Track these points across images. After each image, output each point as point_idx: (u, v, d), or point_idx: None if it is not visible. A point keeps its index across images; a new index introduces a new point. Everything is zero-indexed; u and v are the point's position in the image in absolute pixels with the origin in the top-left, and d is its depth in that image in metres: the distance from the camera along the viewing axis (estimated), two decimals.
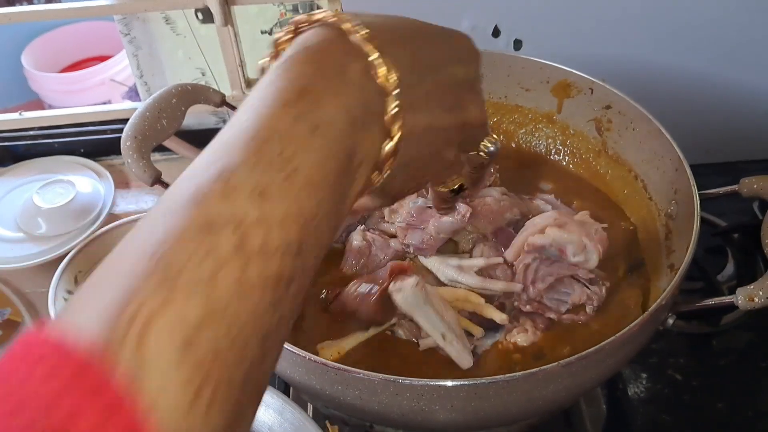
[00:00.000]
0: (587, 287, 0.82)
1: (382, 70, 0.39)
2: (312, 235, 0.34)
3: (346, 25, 0.39)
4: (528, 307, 0.81)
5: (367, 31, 0.39)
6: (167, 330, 0.28)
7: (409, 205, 0.89)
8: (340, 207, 0.38)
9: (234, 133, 0.35)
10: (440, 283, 0.86)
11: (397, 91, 0.40)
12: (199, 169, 0.34)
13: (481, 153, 0.52)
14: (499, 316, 0.80)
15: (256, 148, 0.34)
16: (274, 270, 0.32)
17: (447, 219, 0.83)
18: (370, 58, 0.39)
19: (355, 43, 0.39)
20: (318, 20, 0.41)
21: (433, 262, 0.86)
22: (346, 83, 0.38)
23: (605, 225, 0.84)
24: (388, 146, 0.40)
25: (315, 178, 0.34)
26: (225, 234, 0.30)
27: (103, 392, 0.26)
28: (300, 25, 0.41)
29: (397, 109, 0.40)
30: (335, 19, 0.40)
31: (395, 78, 0.39)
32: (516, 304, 0.82)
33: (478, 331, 0.80)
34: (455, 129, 0.47)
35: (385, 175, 0.42)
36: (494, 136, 0.53)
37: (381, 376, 0.64)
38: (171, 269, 0.29)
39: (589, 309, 0.81)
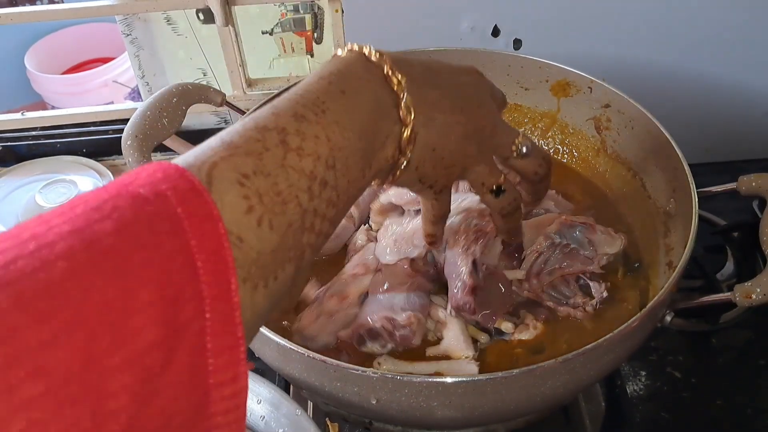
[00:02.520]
0: (588, 287, 0.82)
1: (395, 78, 0.53)
2: (340, 160, 0.46)
3: (369, 52, 0.54)
4: (526, 293, 0.82)
5: (384, 56, 0.54)
6: (229, 168, 0.40)
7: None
8: (368, 155, 0.50)
9: (287, 93, 0.49)
10: None
11: (405, 92, 0.53)
12: (261, 110, 0.46)
13: (515, 154, 0.64)
14: (504, 325, 0.80)
15: (297, 96, 0.48)
16: (309, 167, 0.44)
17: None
18: (385, 70, 0.53)
19: (375, 62, 0.54)
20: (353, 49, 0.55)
21: None
22: (368, 79, 0.52)
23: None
24: (406, 132, 0.53)
25: (342, 120, 0.47)
26: (272, 134, 0.44)
27: (190, 181, 0.37)
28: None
29: (406, 102, 0.53)
30: (366, 50, 0.55)
31: (404, 81, 0.53)
32: (514, 288, 0.83)
33: (483, 337, 0.80)
34: (469, 125, 0.59)
35: (409, 156, 0.54)
36: (525, 136, 0.64)
37: (380, 372, 0.64)
38: (233, 144, 0.42)
39: (589, 308, 0.81)
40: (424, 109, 0.54)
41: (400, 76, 0.53)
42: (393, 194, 0.87)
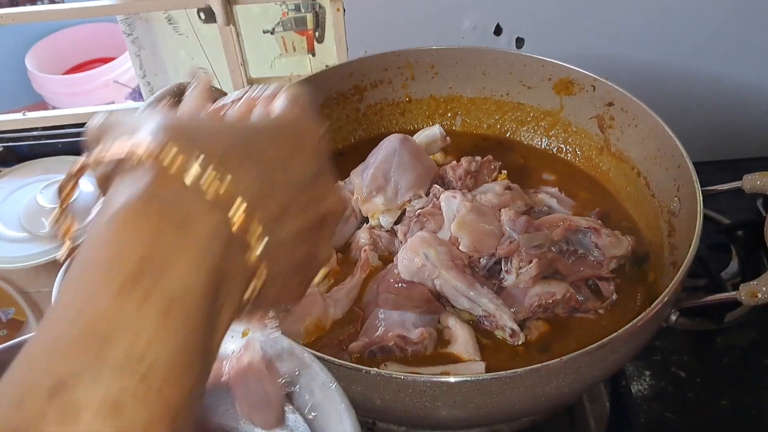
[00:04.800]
0: (597, 286, 0.83)
1: (237, 216, 0.34)
2: (183, 420, 0.30)
3: (170, 163, 0.32)
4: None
5: (199, 163, 0.33)
6: None
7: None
8: (208, 361, 0.33)
9: (66, 328, 0.29)
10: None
11: (255, 226, 0.35)
12: (29, 376, 0.28)
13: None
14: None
15: (96, 349, 0.28)
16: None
17: None
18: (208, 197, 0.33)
19: (189, 183, 0.33)
20: (126, 161, 0.33)
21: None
22: (190, 236, 0.32)
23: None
24: (252, 284, 0.36)
25: (177, 365, 0.29)
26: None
27: None
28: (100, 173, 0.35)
29: (260, 247, 0.35)
30: (150, 156, 0.32)
31: (247, 211, 0.34)
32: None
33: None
34: (317, 223, 0.41)
35: (252, 297, 0.36)
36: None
37: (383, 372, 0.64)
38: None
39: (601, 311, 0.82)
40: (270, 232, 0.36)
41: (243, 205, 0.34)
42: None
